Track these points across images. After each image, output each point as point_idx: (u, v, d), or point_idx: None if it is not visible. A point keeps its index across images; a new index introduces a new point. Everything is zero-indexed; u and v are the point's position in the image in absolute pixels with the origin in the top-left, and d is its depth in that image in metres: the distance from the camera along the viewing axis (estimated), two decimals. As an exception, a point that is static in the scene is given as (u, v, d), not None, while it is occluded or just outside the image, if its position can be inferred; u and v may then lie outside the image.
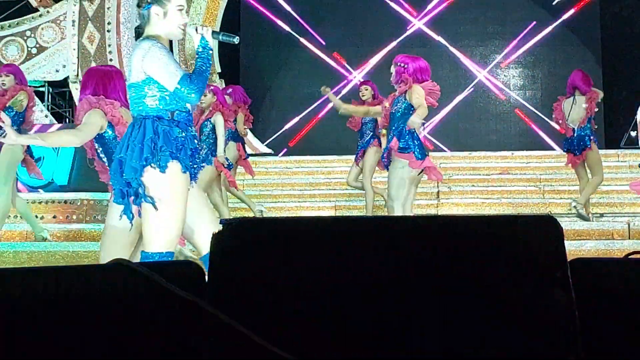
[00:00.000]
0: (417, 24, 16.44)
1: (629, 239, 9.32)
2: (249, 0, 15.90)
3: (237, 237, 2.02)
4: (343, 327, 1.81)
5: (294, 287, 1.82)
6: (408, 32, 16.44)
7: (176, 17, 4.48)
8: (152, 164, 4.30)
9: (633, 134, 14.46)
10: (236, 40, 4.54)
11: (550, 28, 16.14)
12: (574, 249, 8.50)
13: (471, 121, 16.00)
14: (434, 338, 1.94)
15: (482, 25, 16.35)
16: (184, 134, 4.39)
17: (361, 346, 1.81)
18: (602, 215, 10.15)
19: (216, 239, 1.98)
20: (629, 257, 2.18)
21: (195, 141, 4.47)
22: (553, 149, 14.31)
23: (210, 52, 4.45)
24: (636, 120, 14.11)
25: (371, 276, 1.93)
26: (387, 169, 7.27)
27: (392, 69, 7.25)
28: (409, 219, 2.56)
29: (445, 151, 14.88)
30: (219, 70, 14.88)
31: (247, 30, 15.72)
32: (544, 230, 2.08)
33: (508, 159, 13.34)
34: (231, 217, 2.16)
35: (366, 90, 9.98)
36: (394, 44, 16.23)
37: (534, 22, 16.07)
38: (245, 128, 10.50)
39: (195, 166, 4.46)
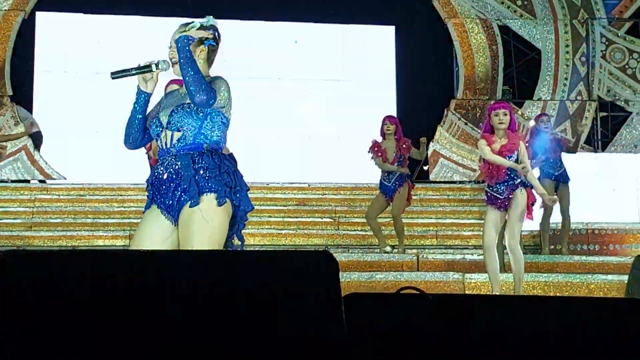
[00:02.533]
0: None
1: (418, 270, 9.65)
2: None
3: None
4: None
5: (44, 322, 1.74)
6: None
7: None
8: None
9: (425, 168, 15.07)
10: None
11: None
12: (364, 280, 8.71)
13: (269, 152, 16.08)
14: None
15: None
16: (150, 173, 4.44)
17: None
18: (393, 247, 10.46)
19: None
20: (401, 292, 2.23)
21: (163, 173, 4.32)
22: (349, 182, 14.61)
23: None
24: (427, 155, 14.72)
25: (142, 309, 1.88)
26: None
27: None
28: (191, 253, 2.52)
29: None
30: (11, 93, 14.28)
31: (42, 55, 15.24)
32: (319, 265, 2.09)
33: (305, 191, 13.54)
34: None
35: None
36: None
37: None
38: None
39: (163, 201, 4.33)
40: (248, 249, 11.28)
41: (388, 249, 10.37)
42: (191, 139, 4.28)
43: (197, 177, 4.23)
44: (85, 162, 14.47)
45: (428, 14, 15.71)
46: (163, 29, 15.86)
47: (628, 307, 2.27)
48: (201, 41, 4.39)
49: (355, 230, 12.02)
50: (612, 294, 8.49)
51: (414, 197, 11.62)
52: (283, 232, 11.93)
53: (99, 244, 11.48)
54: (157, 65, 4.28)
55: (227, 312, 2.02)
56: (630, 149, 14.97)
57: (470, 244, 11.81)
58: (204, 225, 4.18)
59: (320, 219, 12.38)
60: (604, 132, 15.47)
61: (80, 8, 15.39)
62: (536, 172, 9.61)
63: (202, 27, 4.43)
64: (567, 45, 15.43)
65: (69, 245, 11.26)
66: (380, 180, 10.48)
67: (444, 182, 14.51)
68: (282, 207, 12.81)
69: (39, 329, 1.74)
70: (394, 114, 13.59)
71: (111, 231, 11.68)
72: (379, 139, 10.46)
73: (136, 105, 4.32)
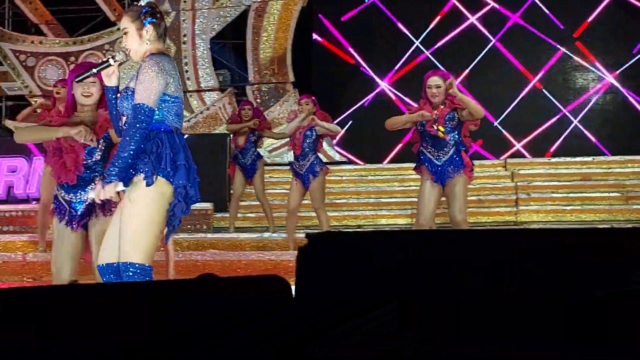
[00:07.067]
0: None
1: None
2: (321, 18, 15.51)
3: (320, 252, 1.97)
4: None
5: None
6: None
7: None
8: None
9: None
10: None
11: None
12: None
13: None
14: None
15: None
16: None
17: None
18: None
19: (302, 253, 1.94)
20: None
21: None
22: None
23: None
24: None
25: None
26: None
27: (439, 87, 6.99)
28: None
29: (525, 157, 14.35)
30: (293, 79, 14.95)
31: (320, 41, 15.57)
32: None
33: (588, 165, 13.04)
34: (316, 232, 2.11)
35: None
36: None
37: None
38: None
39: None
40: (533, 225, 11.08)
41: None
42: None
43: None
44: (367, 143, 14.64)
45: None
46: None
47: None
48: (141, 22, 4.29)
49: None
50: None
51: None
52: (568, 208, 11.66)
53: (382, 222, 11.74)
54: (114, 58, 4.34)
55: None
56: None
57: None
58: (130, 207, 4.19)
59: (607, 194, 11.91)
60: None
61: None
62: None
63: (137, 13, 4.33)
64: None
65: (354, 224, 11.60)
66: None
67: None
68: (566, 183, 12.43)
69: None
70: None
71: (394, 210, 11.90)
72: None
73: (108, 100, 4.43)
